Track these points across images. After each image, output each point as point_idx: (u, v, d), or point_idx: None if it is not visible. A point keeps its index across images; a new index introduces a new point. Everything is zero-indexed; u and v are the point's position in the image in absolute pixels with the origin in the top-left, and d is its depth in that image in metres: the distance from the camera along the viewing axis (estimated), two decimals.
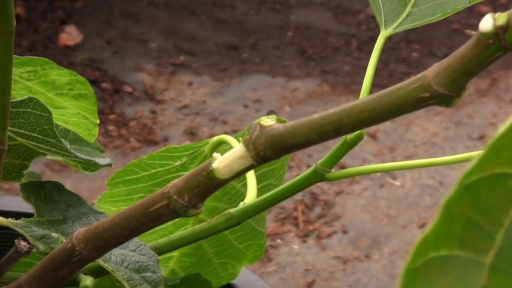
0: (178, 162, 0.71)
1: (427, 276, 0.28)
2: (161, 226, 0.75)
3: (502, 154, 0.27)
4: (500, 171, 0.27)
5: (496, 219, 0.28)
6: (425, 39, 2.65)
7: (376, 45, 0.53)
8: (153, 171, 0.72)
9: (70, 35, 2.62)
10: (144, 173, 0.72)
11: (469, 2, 0.56)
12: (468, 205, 0.28)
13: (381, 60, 2.47)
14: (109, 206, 0.73)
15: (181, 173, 0.71)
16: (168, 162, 0.71)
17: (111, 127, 2.29)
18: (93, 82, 2.40)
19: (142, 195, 0.72)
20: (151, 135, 2.28)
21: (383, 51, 0.54)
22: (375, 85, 2.36)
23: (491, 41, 0.34)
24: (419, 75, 0.36)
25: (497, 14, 0.33)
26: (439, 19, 0.56)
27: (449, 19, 2.68)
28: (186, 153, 0.71)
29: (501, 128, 0.27)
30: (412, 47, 2.62)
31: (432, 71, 0.36)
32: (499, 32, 0.33)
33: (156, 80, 2.47)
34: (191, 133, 2.27)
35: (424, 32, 2.66)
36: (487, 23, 0.33)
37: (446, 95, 0.35)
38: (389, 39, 0.56)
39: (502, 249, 0.28)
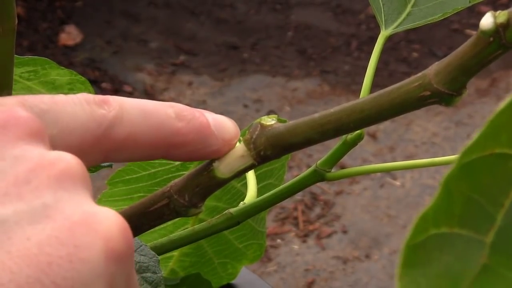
0: (178, 162, 0.71)
1: (427, 253, 0.28)
2: (161, 226, 0.75)
3: (501, 134, 0.27)
4: (500, 151, 0.27)
5: (497, 199, 0.28)
6: (425, 39, 2.65)
7: (376, 45, 0.53)
8: (153, 170, 0.72)
9: (70, 35, 2.62)
10: (144, 173, 0.72)
11: (469, 2, 0.56)
12: (468, 184, 0.28)
13: (381, 60, 2.47)
14: (109, 205, 0.73)
15: (181, 172, 0.71)
16: (168, 162, 0.71)
17: None
18: (93, 82, 2.40)
19: (142, 194, 0.72)
20: None
21: (383, 51, 0.54)
22: (375, 85, 2.35)
23: (491, 39, 0.34)
24: (420, 73, 0.36)
25: (498, 12, 0.33)
26: (439, 19, 0.55)
27: (449, 19, 2.68)
28: None
29: (500, 106, 0.27)
30: (412, 47, 2.62)
31: (433, 70, 0.35)
32: (499, 30, 0.33)
33: (156, 80, 2.47)
34: None
35: (424, 32, 2.66)
36: (487, 21, 0.33)
37: (447, 94, 0.35)
38: (389, 39, 0.56)
39: (502, 229, 0.28)
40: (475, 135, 0.27)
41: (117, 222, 0.30)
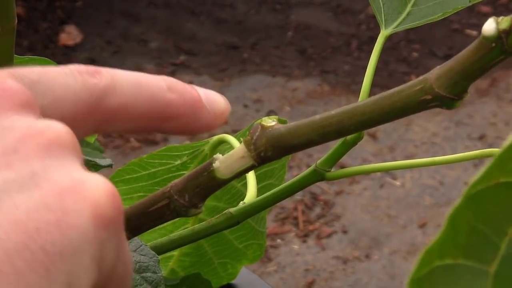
0: (178, 161, 0.71)
1: (432, 285, 0.28)
2: (161, 226, 0.75)
3: (508, 164, 0.27)
4: (505, 180, 0.27)
5: (501, 228, 0.28)
6: (425, 39, 2.65)
7: (376, 44, 0.53)
8: (153, 170, 0.72)
9: (70, 35, 2.62)
10: (144, 172, 0.72)
11: (469, 1, 0.56)
12: (473, 215, 0.28)
13: (381, 60, 2.47)
14: None
15: (181, 172, 0.71)
16: (168, 161, 0.71)
17: None
18: None
19: (141, 194, 0.72)
20: (151, 135, 2.28)
21: (383, 51, 0.54)
22: (375, 85, 2.37)
23: (493, 44, 0.34)
24: (421, 77, 0.36)
25: (500, 18, 0.33)
26: (439, 19, 0.56)
27: (449, 19, 2.68)
28: (186, 152, 0.71)
29: (509, 139, 0.27)
30: (412, 47, 2.62)
31: (434, 74, 0.36)
32: (502, 36, 0.33)
33: None
34: None
35: (424, 32, 2.66)
36: (490, 27, 0.33)
37: (448, 98, 0.35)
38: (389, 39, 0.56)
39: (506, 258, 0.28)
40: (482, 169, 0.27)
41: (106, 189, 0.29)
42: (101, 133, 0.37)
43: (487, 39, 0.34)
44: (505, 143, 0.27)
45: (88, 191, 0.29)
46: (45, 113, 0.32)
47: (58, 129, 0.30)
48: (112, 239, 0.29)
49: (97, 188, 0.29)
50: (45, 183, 0.29)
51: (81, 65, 0.35)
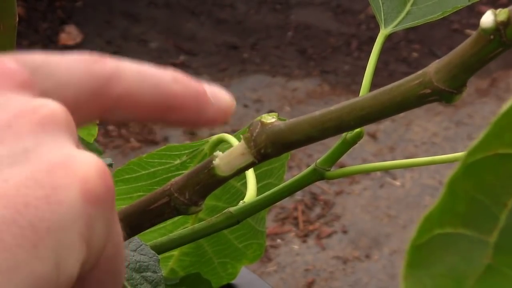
0: (178, 161, 0.71)
1: (432, 253, 0.28)
2: (161, 225, 0.75)
3: (505, 135, 0.27)
4: (503, 151, 0.28)
5: (500, 199, 0.28)
6: (425, 39, 2.65)
7: (375, 43, 0.53)
8: (152, 169, 0.72)
9: (70, 35, 2.62)
10: (144, 172, 0.72)
11: (469, 1, 0.56)
12: (472, 184, 0.28)
13: (381, 60, 2.47)
14: None
15: (180, 171, 0.71)
16: (168, 161, 0.71)
17: (111, 127, 2.29)
18: None
19: (141, 193, 0.72)
20: (151, 135, 2.28)
21: (383, 51, 0.54)
22: (375, 85, 2.36)
23: (492, 37, 0.34)
24: (420, 71, 0.36)
25: (498, 10, 0.33)
26: (439, 18, 0.56)
27: (449, 19, 2.68)
28: (186, 151, 0.71)
29: (504, 107, 0.27)
30: (412, 47, 2.62)
31: (433, 68, 0.36)
32: (500, 28, 0.33)
33: None
34: (191, 133, 2.27)
35: (424, 32, 2.66)
36: (488, 19, 0.33)
37: (447, 92, 0.36)
38: (389, 39, 0.56)
39: (506, 229, 0.28)
40: (480, 135, 0.27)
41: (96, 165, 0.29)
42: (104, 121, 0.37)
43: (485, 31, 0.34)
44: (501, 110, 0.27)
45: (78, 167, 0.29)
46: (48, 97, 0.32)
47: (53, 106, 0.30)
48: (101, 216, 0.29)
49: (87, 164, 0.29)
50: (36, 158, 0.29)
51: (85, 53, 0.35)
